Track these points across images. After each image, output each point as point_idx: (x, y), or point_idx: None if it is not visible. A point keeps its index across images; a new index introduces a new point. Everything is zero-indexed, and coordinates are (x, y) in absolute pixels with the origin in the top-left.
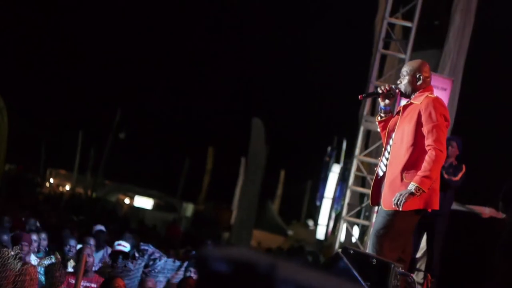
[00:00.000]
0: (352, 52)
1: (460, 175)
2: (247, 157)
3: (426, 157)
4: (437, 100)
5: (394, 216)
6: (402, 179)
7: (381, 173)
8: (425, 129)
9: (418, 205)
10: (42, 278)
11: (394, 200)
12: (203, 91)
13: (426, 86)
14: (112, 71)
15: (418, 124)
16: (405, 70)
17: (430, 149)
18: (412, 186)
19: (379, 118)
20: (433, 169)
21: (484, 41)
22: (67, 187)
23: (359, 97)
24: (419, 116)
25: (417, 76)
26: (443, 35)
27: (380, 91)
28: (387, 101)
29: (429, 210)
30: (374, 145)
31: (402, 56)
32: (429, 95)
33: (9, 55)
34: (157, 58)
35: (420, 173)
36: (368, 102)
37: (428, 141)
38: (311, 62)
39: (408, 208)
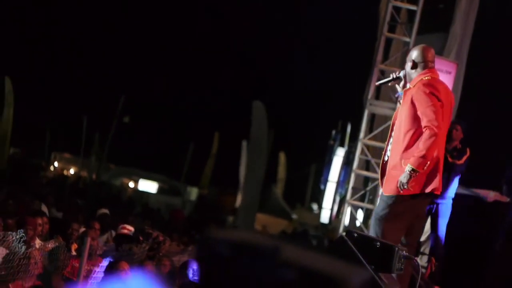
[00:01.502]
0: (357, 35)
1: (464, 158)
2: (249, 141)
3: (422, 137)
4: (427, 82)
5: (391, 200)
6: (401, 165)
7: (386, 158)
8: (419, 113)
9: (414, 190)
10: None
11: (399, 187)
12: (208, 75)
13: (423, 70)
14: (116, 56)
15: (411, 109)
16: (407, 56)
17: (426, 129)
18: (408, 168)
19: (398, 104)
20: (429, 148)
21: (488, 24)
22: (72, 171)
23: (376, 84)
24: (412, 100)
25: (413, 61)
26: (448, 19)
27: (393, 77)
28: (401, 85)
29: (435, 192)
30: (379, 128)
31: (407, 39)
32: (423, 78)
33: (15, 41)
34: (161, 42)
35: (415, 153)
36: (373, 85)
37: (423, 123)
38: (316, 45)
39: (405, 193)
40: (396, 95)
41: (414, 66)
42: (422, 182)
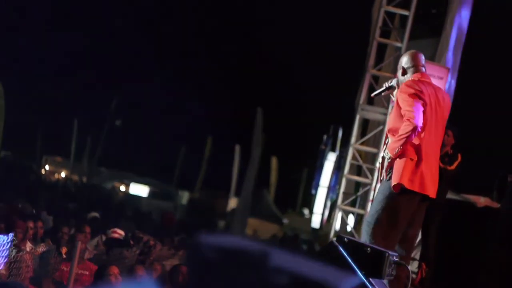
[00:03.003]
0: (350, 40)
1: (455, 164)
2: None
3: (401, 127)
4: (409, 82)
5: (381, 204)
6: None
7: (378, 163)
8: (402, 112)
9: (395, 180)
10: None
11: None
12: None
13: (412, 75)
14: (109, 58)
15: (397, 110)
16: (398, 64)
17: (404, 121)
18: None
19: None
20: (402, 137)
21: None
22: (63, 174)
23: (371, 95)
24: (397, 104)
25: (403, 68)
26: (440, 24)
27: (386, 86)
28: (394, 93)
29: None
30: (371, 133)
31: (399, 44)
32: (407, 81)
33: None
34: (154, 46)
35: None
36: (365, 90)
37: (404, 118)
38: (308, 50)
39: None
40: (392, 103)
41: (404, 72)
42: (403, 173)
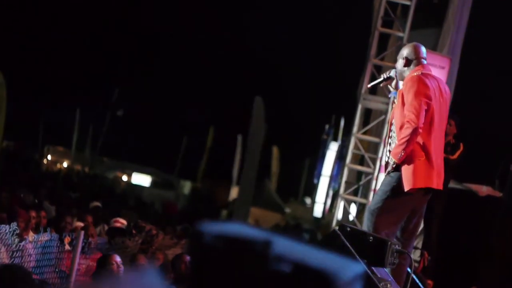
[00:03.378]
0: (351, 30)
1: (457, 153)
2: (248, 135)
3: (401, 131)
4: (416, 78)
5: (388, 197)
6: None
7: (385, 158)
8: (405, 109)
9: (407, 186)
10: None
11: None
12: (201, 69)
13: (416, 67)
14: (110, 48)
15: (402, 107)
16: (398, 54)
17: (406, 123)
18: (391, 161)
19: (395, 102)
20: (404, 140)
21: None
22: (65, 164)
23: (368, 86)
24: (403, 98)
25: (406, 58)
26: (442, 14)
27: (383, 78)
28: (393, 84)
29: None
30: (373, 123)
31: (401, 34)
32: (413, 74)
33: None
34: (156, 36)
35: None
36: (366, 80)
37: (405, 118)
38: (310, 40)
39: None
40: (390, 95)
41: (407, 63)
42: (414, 178)
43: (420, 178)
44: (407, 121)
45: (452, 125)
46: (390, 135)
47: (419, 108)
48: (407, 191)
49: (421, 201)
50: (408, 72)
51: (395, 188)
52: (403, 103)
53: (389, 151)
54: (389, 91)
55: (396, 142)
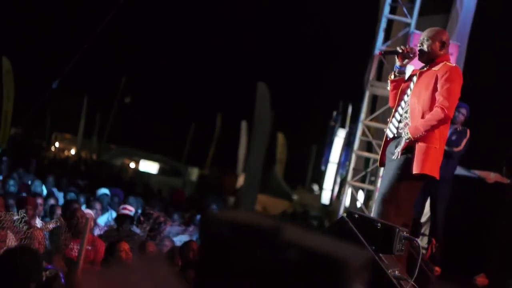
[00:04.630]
0: (359, 16)
1: (463, 142)
2: (253, 122)
3: (431, 113)
4: (456, 70)
5: (400, 182)
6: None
7: (390, 135)
8: (439, 93)
9: (416, 169)
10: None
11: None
12: (209, 55)
13: (445, 54)
14: (118, 36)
15: (435, 91)
16: (426, 35)
17: (437, 107)
18: (405, 136)
19: (392, 77)
20: (430, 123)
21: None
22: (72, 151)
23: (379, 53)
24: (436, 82)
25: (440, 42)
26: (449, 0)
27: (400, 51)
28: (405, 61)
29: (431, 174)
30: (380, 109)
31: (408, 20)
32: (447, 63)
33: (15, 21)
34: (163, 23)
35: (418, 124)
36: (374, 66)
37: (438, 102)
38: (317, 27)
39: (415, 171)
40: (395, 68)
41: (442, 46)
42: (426, 163)
43: (429, 165)
44: (441, 107)
45: (463, 114)
46: (397, 109)
47: (456, 100)
48: (415, 173)
49: (417, 187)
50: (439, 57)
51: (405, 172)
52: (435, 86)
53: (404, 124)
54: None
55: (415, 120)
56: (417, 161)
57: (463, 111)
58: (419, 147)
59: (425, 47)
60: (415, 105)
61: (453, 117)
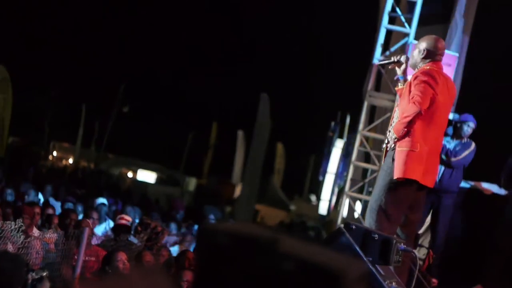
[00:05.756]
0: (357, 26)
1: (464, 153)
2: (252, 132)
3: (406, 109)
4: (426, 71)
5: (385, 189)
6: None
7: (385, 144)
8: (411, 94)
9: (396, 174)
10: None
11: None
12: (206, 65)
13: (432, 61)
14: (117, 44)
15: (409, 98)
16: (419, 44)
17: (410, 102)
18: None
19: (399, 85)
20: (406, 119)
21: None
22: (70, 160)
23: (377, 62)
24: (410, 88)
25: (422, 50)
26: (448, 10)
27: (396, 60)
28: (401, 69)
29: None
30: (379, 120)
31: (407, 30)
32: (425, 68)
33: (14, 28)
34: (161, 32)
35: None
36: (373, 76)
37: (411, 99)
38: (316, 37)
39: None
40: (396, 78)
41: (427, 55)
42: (404, 167)
43: (408, 168)
44: (413, 101)
45: (470, 127)
46: (392, 121)
47: (425, 92)
48: (396, 178)
49: (416, 196)
50: (422, 65)
51: (389, 182)
52: (409, 92)
53: (389, 131)
54: (396, 77)
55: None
56: (397, 166)
57: (472, 125)
58: (397, 152)
59: (413, 56)
60: (399, 114)
61: (462, 130)
